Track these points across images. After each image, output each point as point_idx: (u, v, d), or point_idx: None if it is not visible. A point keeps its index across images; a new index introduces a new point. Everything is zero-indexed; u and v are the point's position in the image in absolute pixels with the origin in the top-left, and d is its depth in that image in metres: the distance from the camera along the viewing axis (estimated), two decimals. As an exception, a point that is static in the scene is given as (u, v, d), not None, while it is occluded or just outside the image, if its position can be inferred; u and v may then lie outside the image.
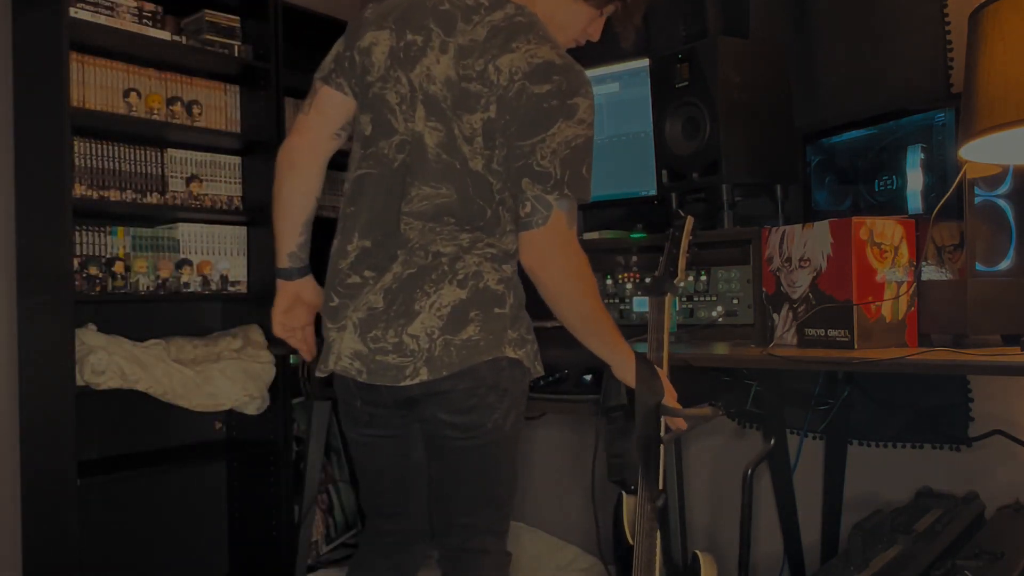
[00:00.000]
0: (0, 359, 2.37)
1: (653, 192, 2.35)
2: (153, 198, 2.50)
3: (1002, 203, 1.74)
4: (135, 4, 2.40)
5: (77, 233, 2.34)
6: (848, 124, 2.16)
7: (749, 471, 1.91)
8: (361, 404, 1.59)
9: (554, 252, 1.49)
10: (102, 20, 2.32)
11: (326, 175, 1.69)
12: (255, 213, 2.65)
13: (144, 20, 2.42)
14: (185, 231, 2.56)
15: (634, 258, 2.24)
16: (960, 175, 1.68)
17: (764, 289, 1.89)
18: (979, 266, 1.69)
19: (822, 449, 2.30)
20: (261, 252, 2.65)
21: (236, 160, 2.69)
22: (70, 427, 2.19)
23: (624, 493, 1.81)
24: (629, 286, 2.24)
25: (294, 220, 1.66)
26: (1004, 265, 1.73)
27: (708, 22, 2.29)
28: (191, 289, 2.56)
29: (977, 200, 1.70)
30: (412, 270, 1.49)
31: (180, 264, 2.55)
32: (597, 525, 1.84)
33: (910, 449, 2.19)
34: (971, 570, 1.52)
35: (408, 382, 1.47)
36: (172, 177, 2.55)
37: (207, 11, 2.55)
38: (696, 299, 2.12)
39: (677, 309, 2.13)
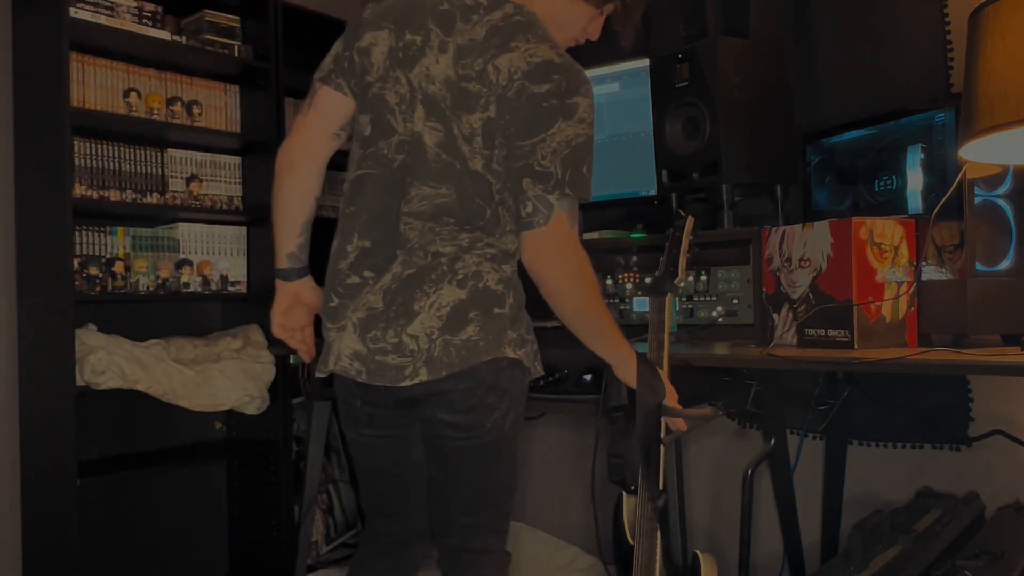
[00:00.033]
0: (0, 359, 2.37)
1: (653, 192, 2.35)
2: (153, 198, 2.50)
3: (1002, 203, 1.74)
4: (135, 4, 2.40)
5: (77, 233, 2.34)
6: (848, 124, 2.16)
7: (749, 471, 1.91)
8: (361, 404, 1.59)
9: (555, 252, 1.49)
10: (102, 20, 2.32)
11: (326, 175, 1.69)
12: (255, 213, 2.65)
13: (144, 20, 2.42)
14: (185, 231, 2.56)
15: (634, 258, 2.24)
16: (960, 175, 1.68)
17: (764, 289, 1.89)
18: (979, 266, 1.69)
19: (822, 449, 2.30)
20: (261, 252, 2.65)
21: (236, 160, 2.69)
22: (70, 427, 2.19)
23: (624, 493, 1.81)
24: (629, 286, 2.24)
25: (293, 220, 1.66)
26: (1004, 265, 1.73)
27: (708, 22, 2.28)
28: (191, 289, 2.56)
29: (977, 200, 1.70)
30: (411, 270, 1.49)
31: (180, 264, 2.55)
32: (597, 525, 1.84)
33: (910, 449, 2.19)
34: (971, 570, 1.52)
35: (408, 382, 1.47)
36: (172, 177, 2.55)
37: (207, 11, 2.55)
38: (696, 299, 2.12)
39: (677, 309, 2.13)
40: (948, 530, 1.76)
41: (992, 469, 2.03)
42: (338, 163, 1.66)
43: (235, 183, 2.68)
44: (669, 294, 1.74)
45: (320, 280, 1.66)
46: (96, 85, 2.38)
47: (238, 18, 2.62)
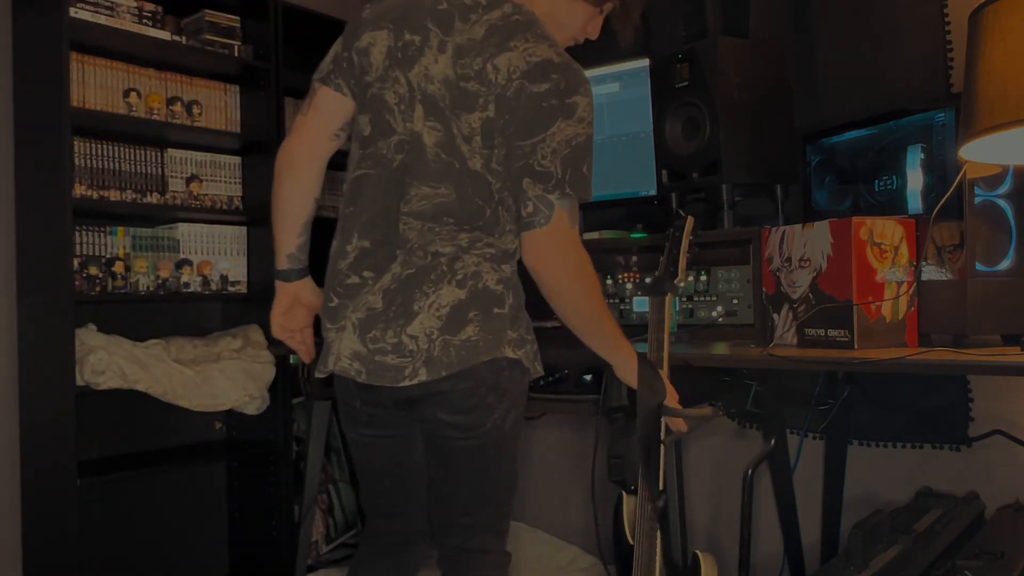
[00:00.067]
0: (0, 359, 2.37)
1: (653, 192, 2.35)
2: (153, 198, 2.50)
3: (1002, 203, 1.74)
4: (135, 4, 2.40)
5: (77, 233, 2.34)
6: (848, 124, 2.16)
7: (749, 471, 1.91)
8: (361, 404, 1.59)
9: (556, 251, 1.49)
10: (102, 20, 2.32)
11: (326, 175, 1.68)
12: (255, 213, 2.65)
13: (144, 20, 2.42)
14: (185, 231, 2.56)
15: (634, 258, 2.24)
16: (960, 175, 1.68)
17: (764, 289, 1.89)
18: (979, 266, 1.69)
19: (822, 449, 2.30)
20: (261, 252, 2.65)
21: (236, 160, 2.69)
22: (70, 427, 2.19)
23: (624, 493, 1.81)
24: (629, 286, 2.24)
25: (293, 221, 1.66)
26: (1004, 265, 1.73)
27: (708, 22, 2.28)
28: (191, 289, 2.56)
29: (977, 200, 1.70)
30: (411, 270, 1.49)
31: (180, 264, 2.55)
32: (597, 525, 1.84)
33: (910, 449, 2.19)
34: (971, 570, 1.52)
35: (407, 382, 1.47)
36: (172, 177, 2.55)
37: (207, 11, 2.55)
38: (696, 299, 2.12)
39: (677, 309, 2.13)
40: (948, 530, 1.76)
41: (992, 469, 2.03)
42: (338, 163, 1.66)
43: (235, 183, 2.68)
44: (669, 294, 1.74)
45: (320, 280, 1.66)
46: (96, 85, 2.38)
47: (238, 18, 2.62)
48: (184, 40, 2.53)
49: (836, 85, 2.31)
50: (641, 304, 2.20)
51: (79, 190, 2.33)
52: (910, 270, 1.75)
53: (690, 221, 1.80)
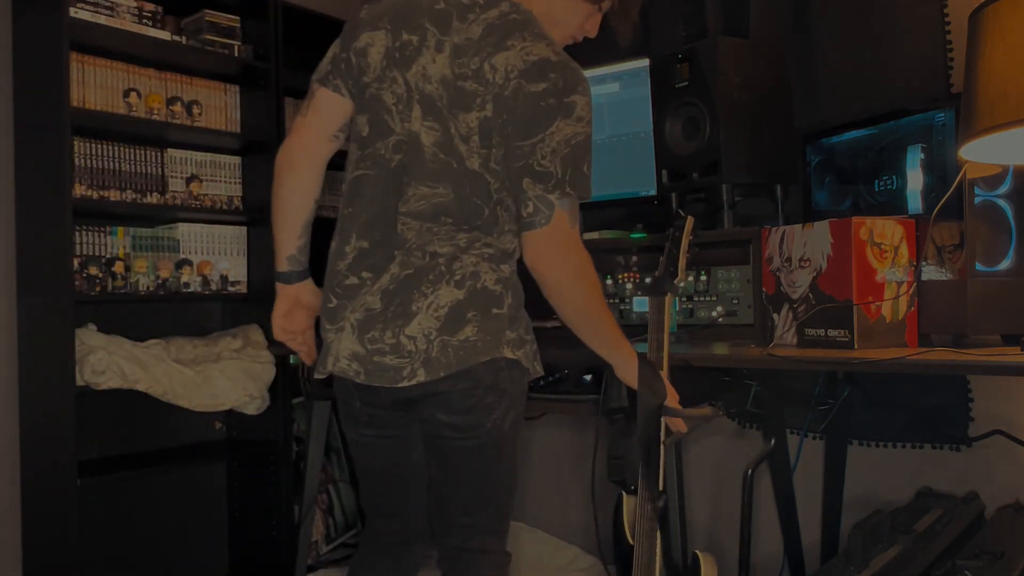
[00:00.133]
0: (0, 359, 2.37)
1: (653, 192, 2.35)
2: (153, 198, 2.50)
3: (1002, 203, 1.74)
4: (135, 4, 2.40)
5: (77, 233, 2.34)
6: (848, 124, 2.16)
7: (749, 471, 1.91)
8: (360, 405, 1.59)
9: (557, 251, 1.49)
10: (102, 20, 2.32)
11: (326, 175, 1.69)
12: (255, 213, 2.65)
13: (144, 20, 2.42)
14: (185, 231, 2.56)
15: (634, 258, 2.24)
16: (960, 175, 1.68)
17: (764, 289, 1.89)
18: (979, 266, 1.69)
19: (822, 449, 2.30)
20: (261, 252, 2.65)
21: (236, 160, 2.69)
22: (70, 427, 2.19)
23: (624, 493, 1.81)
24: (629, 286, 2.24)
25: (293, 222, 1.66)
26: (1004, 265, 1.73)
27: (708, 22, 2.28)
28: (191, 289, 2.56)
29: (977, 200, 1.70)
30: (409, 271, 1.49)
31: (180, 264, 2.55)
32: (597, 525, 1.84)
33: (910, 449, 2.19)
34: (971, 570, 1.52)
35: (406, 383, 1.47)
36: (172, 177, 2.55)
37: (207, 11, 2.55)
38: (696, 299, 2.12)
39: (677, 309, 2.13)
40: (948, 530, 1.76)
41: (992, 469, 2.03)
42: (338, 163, 1.66)
43: (235, 183, 2.68)
44: (669, 294, 1.74)
45: (320, 281, 1.65)
46: (96, 85, 2.38)
47: (238, 18, 2.62)
48: (184, 40, 2.53)
49: (836, 85, 2.31)
50: (641, 304, 2.20)
51: (79, 190, 2.33)
52: (910, 270, 1.75)
53: (690, 221, 1.80)
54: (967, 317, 1.65)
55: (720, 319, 2.07)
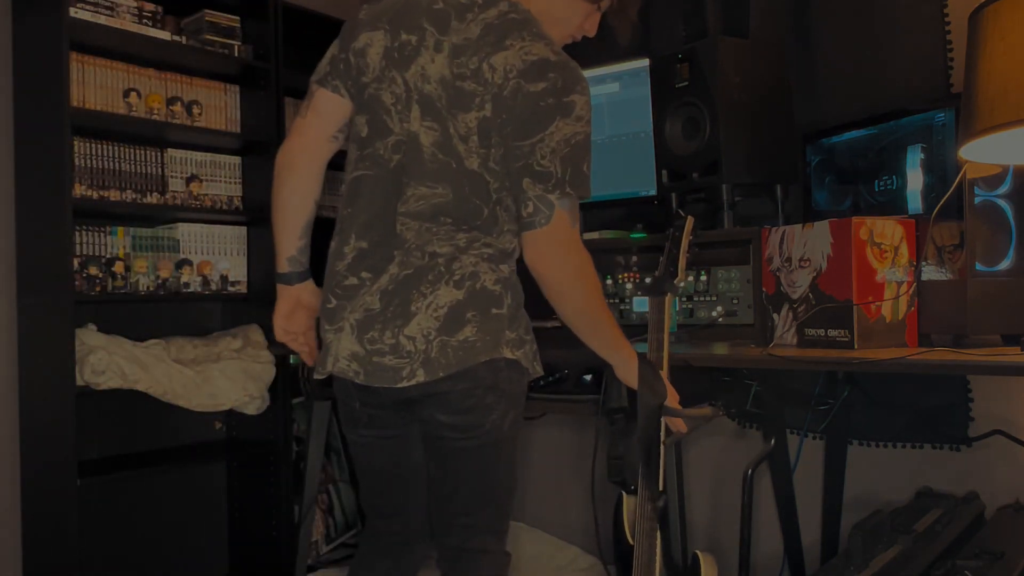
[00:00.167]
0: (0, 359, 2.37)
1: (653, 192, 2.35)
2: (153, 198, 2.50)
3: (1002, 203, 1.74)
4: (135, 4, 2.40)
5: (77, 233, 2.34)
6: (848, 124, 2.16)
7: (749, 471, 1.91)
8: (360, 405, 1.59)
9: (557, 251, 1.49)
10: (102, 20, 2.32)
11: (326, 176, 1.68)
12: (255, 213, 2.65)
13: (144, 20, 2.42)
14: (185, 231, 2.56)
15: (634, 258, 2.24)
16: (960, 175, 1.68)
17: (764, 289, 1.89)
18: (979, 266, 1.69)
19: (822, 449, 2.30)
20: (261, 252, 2.65)
21: (236, 160, 2.69)
22: (70, 427, 2.19)
23: (624, 493, 1.81)
24: (629, 286, 2.24)
25: (294, 223, 1.66)
26: (1004, 265, 1.73)
27: (708, 22, 2.28)
28: (191, 289, 2.56)
29: (977, 200, 1.70)
30: (408, 271, 1.49)
31: (180, 264, 2.55)
32: (597, 525, 1.84)
33: (910, 449, 2.19)
34: (971, 570, 1.52)
35: (405, 383, 1.47)
36: (172, 177, 2.55)
37: (207, 11, 2.55)
38: (696, 299, 2.12)
39: (677, 309, 2.13)
40: (948, 530, 1.76)
41: (992, 469, 2.03)
42: (338, 163, 1.66)
43: (235, 183, 2.68)
44: (669, 294, 1.74)
45: (320, 282, 1.65)
46: (96, 85, 2.38)
47: (238, 18, 2.62)
48: (184, 40, 2.53)
49: (836, 85, 2.31)
50: (641, 304, 2.20)
51: (79, 190, 2.33)
52: (910, 270, 1.75)
53: (690, 221, 1.80)
54: (967, 317, 1.65)
55: (720, 319, 2.07)
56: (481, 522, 1.58)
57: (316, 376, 1.60)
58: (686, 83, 2.15)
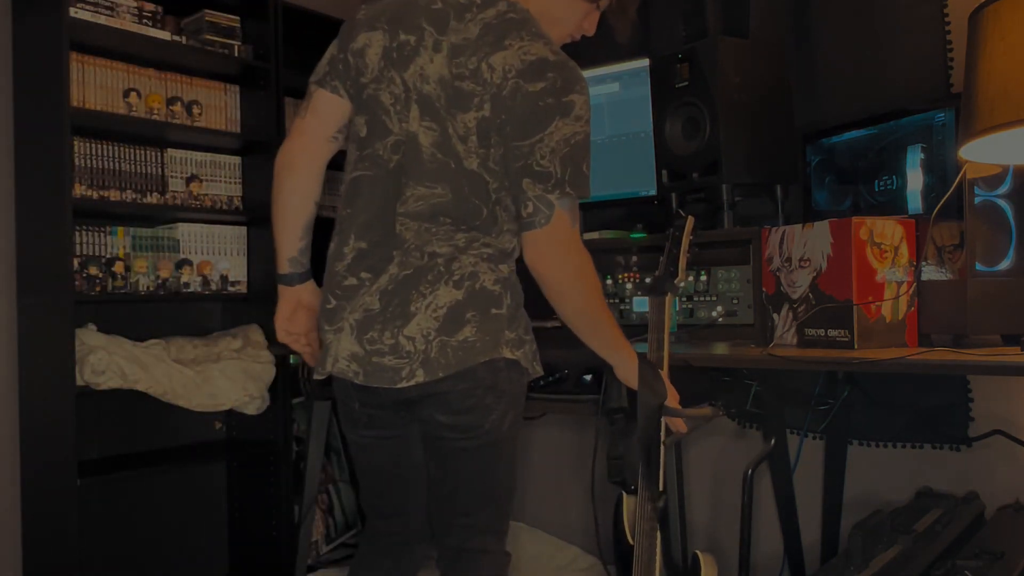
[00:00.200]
0: (0, 359, 2.37)
1: (653, 192, 2.35)
2: (153, 198, 2.50)
3: (1002, 203, 1.74)
4: (135, 4, 2.40)
5: (77, 233, 2.34)
6: (848, 124, 2.16)
7: (749, 471, 1.91)
8: (359, 406, 1.59)
9: (557, 251, 1.49)
10: (102, 20, 2.32)
11: (326, 176, 1.68)
12: (255, 213, 2.65)
13: (144, 20, 2.42)
14: (185, 231, 2.56)
15: (634, 258, 2.24)
16: (960, 175, 1.68)
17: (764, 289, 1.89)
18: (979, 266, 1.69)
19: (822, 449, 2.30)
20: (261, 252, 2.65)
21: (236, 160, 2.69)
22: (70, 427, 2.19)
23: (624, 493, 1.81)
24: (629, 286, 2.24)
25: (294, 224, 1.66)
26: (1004, 265, 1.73)
27: (708, 22, 2.28)
28: (191, 289, 2.56)
29: (977, 200, 1.70)
30: (408, 271, 1.49)
31: (180, 264, 2.55)
32: (597, 525, 1.84)
33: (910, 449, 2.19)
34: (971, 570, 1.52)
35: (404, 384, 1.47)
36: (172, 177, 2.55)
37: (207, 11, 2.55)
38: (696, 299, 2.12)
39: (677, 309, 2.13)
40: (948, 530, 1.76)
41: (992, 469, 2.03)
42: (338, 163, 1.66)
43: (235, 183, 2.68)
44: (669, 294, 1.74)
45: (320, 282, 1.65)
46: (96, 85, 2.38)
47: (238, 18, 2.62)
48: (184, 40, 2.53)
49: (836, 85, 2.31)
50: (641, 304, 2.20)
51: (79, 190, 2.33)
52: (910, 270, 1.75)
53: (690, 221, 1.80)
54: (967, 317, 1.65)
55: (720, 319, 2.07)
56: (481, 522, 1.58)
57: (316, 376, 1.60)
58: (686, 83, 2.15)
